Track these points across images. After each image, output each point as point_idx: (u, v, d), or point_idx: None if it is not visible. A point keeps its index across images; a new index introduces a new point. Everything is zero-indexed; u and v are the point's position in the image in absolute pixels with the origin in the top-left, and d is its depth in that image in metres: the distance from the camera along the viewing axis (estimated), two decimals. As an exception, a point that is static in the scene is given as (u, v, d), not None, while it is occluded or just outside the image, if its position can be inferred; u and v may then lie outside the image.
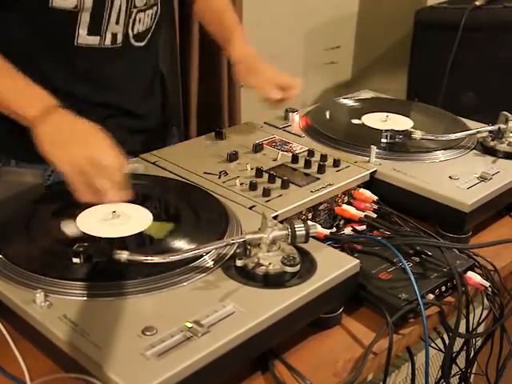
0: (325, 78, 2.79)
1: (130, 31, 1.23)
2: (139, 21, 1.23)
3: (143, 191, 1.04)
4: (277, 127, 1.34)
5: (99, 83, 1.24)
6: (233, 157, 1.17)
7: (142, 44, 1.27)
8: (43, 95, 1.04)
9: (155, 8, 1.26)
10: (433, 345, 1.06)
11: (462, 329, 0.95)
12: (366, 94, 1.57)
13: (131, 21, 1.22)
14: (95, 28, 1.17)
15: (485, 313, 1.06)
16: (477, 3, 2.43)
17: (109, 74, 1.25)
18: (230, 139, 1.26)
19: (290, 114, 1.37)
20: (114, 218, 0.93)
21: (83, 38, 1.17)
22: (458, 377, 1.12)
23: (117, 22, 1.19)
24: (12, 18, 1.13)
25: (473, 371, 1.17)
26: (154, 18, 1.28)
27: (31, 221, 0.93)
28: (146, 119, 1.36)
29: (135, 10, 1.21)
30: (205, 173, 1.12)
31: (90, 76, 1.23)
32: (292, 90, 1.30)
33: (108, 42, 1.20)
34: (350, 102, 1.49)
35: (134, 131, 1.32)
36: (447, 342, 0.96)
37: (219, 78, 2.11)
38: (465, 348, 1.06)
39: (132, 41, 1.24)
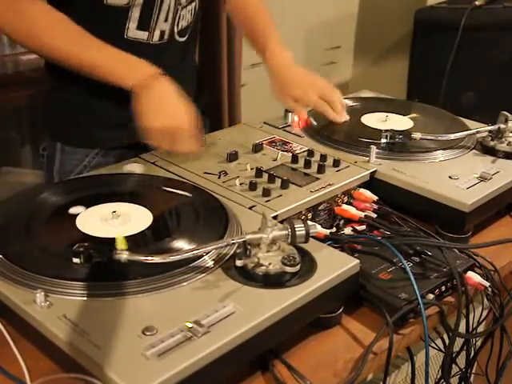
0: (325, 78, 2.79)
1: (175, 28, 1.28)
2: (183, 17, 1.29)
3: (143, 191, 1.05)
4: (277, 127, 1.34)
5: None
6: (233, 157, 1.17)
7: (184, 39, 1.32)
8: (144, 64, 1.15)
9: (194, 3, 1.31)
10: (433, 345, 1.06)
11: (462, 329, 0.95)
12: (366, 94, 1.57)
13: (177, 17, 1.27)
14: (145, 23, 1.23)
15: (485, 313, 1.06)
16: (477, 3, 2.43)
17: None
18: (230, 139, 1.26)
19: (290, 113, 1.37)
20: (114, 218, 0.93)
21: (132, 31, 1.23)
22: (458, 377, 1.12)
23: (165, 20, 1.25)
24: (65, 13, 1.17)
25: (473, 371, 1.17)
26: (194, 13, 1.32)
27: (31, 221, 0.93)
28: None
29: (180, 7, 1.26)
30: (205, 173, 1.12)
31: None
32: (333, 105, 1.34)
33: (156, 38, 1.26)
34: (350, 102, 1.49)
35: None
36: (447, 341, 0.95)
37: (219, 78, 2.11)
38: (465, 348, 1.06)
39: (176, 37, 1.29)
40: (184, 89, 1.34)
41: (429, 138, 1.24)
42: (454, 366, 1.06)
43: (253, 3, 1.46)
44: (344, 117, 1.34)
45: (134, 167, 1.12)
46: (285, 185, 1.07)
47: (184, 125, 1.13)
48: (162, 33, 1.26)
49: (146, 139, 1.13)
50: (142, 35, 1.24)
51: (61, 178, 1.32)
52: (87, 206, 0.96)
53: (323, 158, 1.17)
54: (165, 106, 1.14)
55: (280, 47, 1.39)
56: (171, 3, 1.24)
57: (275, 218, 0.98)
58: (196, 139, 1.14)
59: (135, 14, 1.21)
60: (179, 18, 1.28)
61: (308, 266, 0.84)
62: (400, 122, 1.34)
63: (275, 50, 1.38)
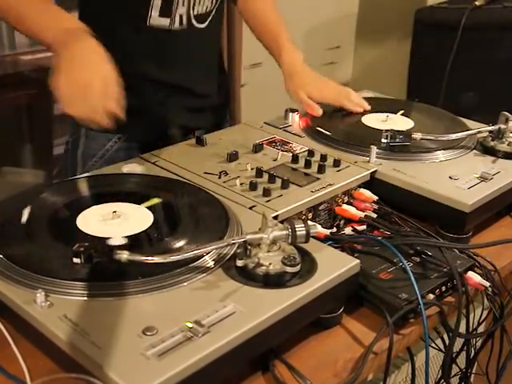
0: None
1: (191, 11, 1.29)
2: (199, 2, 1.30)
3: (143, 191, 1.04)
4: (277, 127, 1.34)
5: (162, 63, 1.31)
6: (233, 157, 1.17)
7: (203, 26, 1.33)
8: (71, 19, 1.09)
9: None
10: (433, 345, 1.06)
11: (462, 329, 0.95)
12: (366, 94, 1.57)
13: (192, 1, 1.28)
14: (166, 10, 1.25)
15: (485, 313, 1.06)
16: (477, 3, 2.43)
17: (173, 54, 1.31)
18: (230, 139, 1.26)
19: (290, 113, 1.37)
20: (114, 218, 0.93)
21: (155, 19, 1.25)
22: (458, 377, 1.12)
23: (182, 4, 1.27)
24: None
25: (473, 371, 1.17)
26: (216, 2, 1.34)
27: (31, 221, 0.93)
28: (206, 98, 1.42)
29: None
30: (205, 173, 1.12)
31: (154, 55, 1.30)
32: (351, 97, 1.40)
33: (177, 24, 1.28)
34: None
35: (194, 110, 1.39)
36: (447, 342, 0.96)
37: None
38: (465, 348, 1.06)
39: (193, 22, 1.31)
40: (206, 77, 1.38)
41: (429, 138, 1.24)
42: (454, 366, 1.06)
43: (262, 3, 1.49)
44: (364, 107, 1.40)
45: (134, 167, 1.12)
46: (285, 185, 1.07)
47: (97, 82, 1.01)
48: (181, 17, 1.28)
49: (57, 100, 1.01)
50: (165, 22, 1.26)
51: (84, 161, 1.36)
52: (87, 206, 0.96)
53: (323, 158, 1.17)
54: (80, 63, 1.03)
55: (294, 47, 1.44)
56: None
57: (275, 218, 0.98)
58: (114, 105, 1.02)
59: (157, 1, 1.24)
60: (194, 1, 1.28)
61: (308, 266, 0.84)
62: (400, 122, 1.34)
63: (290, 49, 1.43)
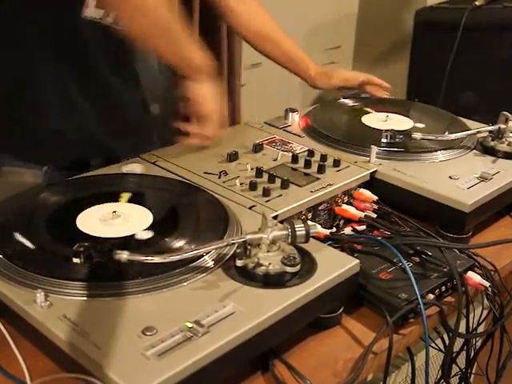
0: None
1: None
2: None
3: (143, 191, 1.05)
4: (277, 127, 1.34)
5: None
6: (233, 157, 1.17)
7: None
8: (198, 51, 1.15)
9: None
10: (433, 345, 1.07)
11: (462, 329, 0.95)
12: (366, 94, 1.57)
13: None
14: None
15: (485, 313, 1.06)
16: (477, 3, 2.43)
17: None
18: (230, 139, 1.26)
19: (290, 113, 1.37)
20: (114, 218, 0.93)
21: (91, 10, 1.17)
22: (458, 377, 1.12)
23: None
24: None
25: (473, 371, 1.17)
26: None
27: (31, 221, 0.93)
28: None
29: None
30: (205, 173, 1.12)
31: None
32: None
33: (111, 19, 1.19)
34: (350, 102, 1.49)
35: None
36: (447, 342, 0.95)
37: (219, 78, 2.11)
38: (465, 348, 1.06)
39: None
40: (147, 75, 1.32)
41: (429, 138, 1.24)
42: (454, 366, 1.06)
43: (264, 22, 1.53)
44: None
45: (134, 167, 1.12)
46: (285, 185, 1.07)
47: (217, 108, 1.18)
48: None
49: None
50: (99, 13, 1.18)
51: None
52: (87, 206, 0.96)
53: (323, 157, 1.17)
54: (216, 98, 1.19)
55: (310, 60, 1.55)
56: None
57: (275, 217, 0.98)
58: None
59: None
60: None
61: (308, 266, 0.84)
62: (400, 122, 1.34)
63: (312, 64, 1.55)
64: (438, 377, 1.07)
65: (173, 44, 1.15)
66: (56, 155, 1.25)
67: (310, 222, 0.84)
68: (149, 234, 0.90)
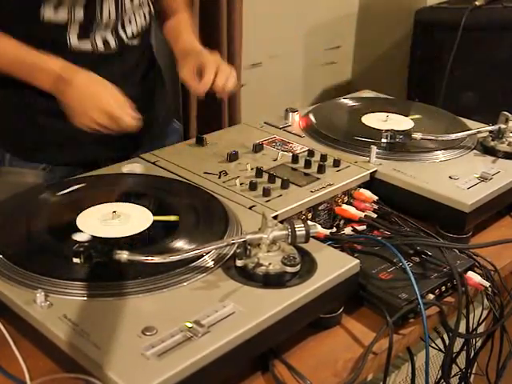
0: (325, 78, 2.79)
1: (122, 34, 1.23)
2: (130, 22, 1.24)
3: (143, 191, 1.05)
4: (277, 127, 1.34)
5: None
6: (233, 157, 1.17)
7: (136, 43, 1.28)
8: (49, 61, 1.12)
9: (147, 8, 1.28)
10: (433, 345, 1.07)
11: (462, 329, 0.95)
12: (366, 94, 1.57)
13: (122, 24, 1.22)
14: (85, 34, 1.18)
15: (485, 313, 1.06)
16: (477, 3, 2.43)
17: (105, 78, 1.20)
18: (230, 139, 1.26)
19: (290, 113, 1.37)
20: (114, 218, 0.93)
21: (75, 43, 1.18)
22: (458, 377, 1.12)
23: (106, 27, 1.20)
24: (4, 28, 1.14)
25: (473, 371, 1.17)
26: (149, 18, 1.29)
27: (31, 221, 0.93)
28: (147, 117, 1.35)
29: (126, 14, 1.22)
30: (205, 173, 1.12)
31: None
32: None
33: (100, 46, 1.21)
34: (350, 102, 1.49)
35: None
36: (447, 342, 0.95)
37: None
38: (465, 348, 1.06)
39: (127, 41, 1.25)
40: (138, 95, 1.27)
41: (429, 138, 1.24)
42: (454, 366, 1.06)
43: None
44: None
45: (134, 167, 1.12)
46: (285, 185, 1.07)
47: (113, 107, 1.09)
48: (106, 40, 1.21)
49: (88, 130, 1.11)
50: (86, 45, 1.19)
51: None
52: (87, 206, 0.96)
53: (323, 157, 1.17)
54: (87, 99, 1.10)
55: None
56: (111, 11, 1.19)
57: (275, 217, 0.98)
58: (131, 114, 1.10)
59: (75, 27, 1.17)
60: (124, 23, 1.23)
61: (308, 266, 0.84)
62: (400, 122, 1.34)
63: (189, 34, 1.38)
64: (438, 377, 1.07)
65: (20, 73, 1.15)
66: (67, 153, 1.27)
67: (310, 222, 0.84)
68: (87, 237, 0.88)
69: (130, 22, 1.24)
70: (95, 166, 1.16)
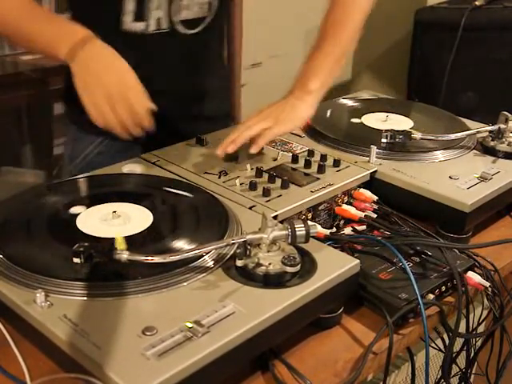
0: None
1: (173, 17, 1.25)
2: (186, 7, 1.26)
3: (143, 191, 1.04)
4: (277, 127, 1.34)
5: (140, 66, 1.19)
6: (233, 157, 1.16)
7: (194, 31, 1.29)
8: (73, 27, 1.07)
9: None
10: (433, 345, 1.07)
11: (462, 329, 0.95)
12: (366, 94, 1.57)
13: (173, 6, 1.24)
14: (139, 14, 1.21)
15: (485, 313, 1.06)
16: (477, 3, 2.43)
17: (149, 57, 1.25)
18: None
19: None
20: (114, 218, 0.93)
21: (128, 24, 1.21)
22: (458, 377, 1.12)
23: (157, 8, 1.22)
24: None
25: (473, 371, 1.17)
26: (208, 8, 1.29)
27: (31, 221, 0.93)
28: (196, 105, 1.38)
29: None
30: (205, 173, 1.12)
31: (130, 59, 1.13)
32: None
33: (153, 27, 1.23)
34: (350, 102, 1.49)
35: (189, 117, 1.34)
36: (447, 342, 0.96)
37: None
38: (465, 348, 1.06)
39: (178, 27, 1.27)
40: (196, 83, 1.33)
41: (429, 138, 1.24)
42: (454, 366, 1.06)
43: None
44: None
45: (134, 167, 1.12)
46: (285, 185, 1.07)
47: (129, 84, 1.04)
48: (158, 21, 1.23)
49: (91, 118, 1.05)
50: (139, 26, 1.22)
51: (71, 163, 1.35)
52: (87, 206, 0.96)
53: (323, 158, 1.17)
54: (102, 71, 1.04)
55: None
56: None
57: (275, 217, 0.98)
58: (146, 97, 1.06)
59: (129, 7, 1.20)
60: (178, 7, 1.25)
61: (308, 266, 0.84)
62: (400, 122, 1.34)
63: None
64: (438, 377, 1.07)
65: (33, 44, 1.12)
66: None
67: (310, 222, 0.84)
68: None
69: (185, 8, 1.26)
70: (151, 144, 1.18)
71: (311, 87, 1.19)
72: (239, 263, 0.83)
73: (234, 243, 0.84)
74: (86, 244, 0.81)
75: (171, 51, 1.29)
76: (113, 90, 1.03)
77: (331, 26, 1.23)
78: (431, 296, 0.91)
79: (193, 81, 1.36)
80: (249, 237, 0.83)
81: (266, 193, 1.04)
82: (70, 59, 1.04)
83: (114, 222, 0.92)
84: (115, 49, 1.07)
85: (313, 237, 0.85)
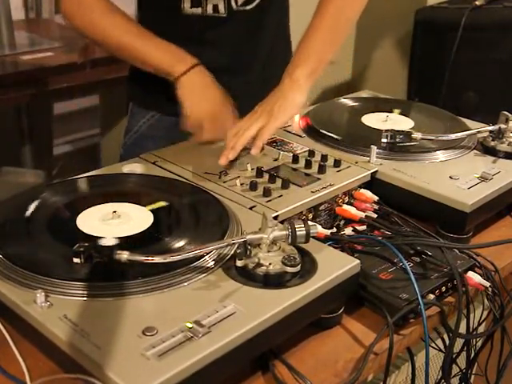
0: (325, 78, 2.79)
1: (232, 1, 1.32)
2: None
3: (143, 191, 1.04)
4: (277, 127, 1.34)
5: (200, 46, 1.33)
6: (233, 157, 1.16)
7: (249, 7, 1.34)
8: (186, 55, 1.26)
9: None
10: (433, 345, 1.06)
11: (463, 329, 0.95)
12: (366, 94, 1.57)
13: None
14: (196, 1, 1.30)
15: (485, 313, 1.06)
16: (477, 3, 2.43)
17: (211, 38, 1.35)
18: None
19: (291, 114, 1.37)
20: (114, 218, 0.93)
21: (187, 10, 1.31)
22: (458, 377, 1.12)
23: None
24: None
25: (473, 372, 1.17)
26: None
27: (31, 221, 0.93)
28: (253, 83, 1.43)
29: None
30: (205, 173, 1.12)
31: (191, 39, 1.33)
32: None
33: (210, 11, 1.32)
34: (349, 102, 1.49)
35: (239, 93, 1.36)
36: (447, 342, 0.95)
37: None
38: (465, 348, 1.06)
39: (233, 5, 1.32)
40: (257, 61, 1.40)
41: (429, 138, 1.24)
42: (454, 366, 1.06)
43: None
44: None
45: (134, 167, 1.12)
46: (285, 185, 1.07)
47: (225, 108, 1.24)
48: (216, 6, 1.31)
49: (189, 127, 1.23)
50: (196, 11, 1.31)
51: (126, 136, 1.49)
52: (87, 206, 0.96)
53: (324, 158, 1.17)
54: (207, 94, 1.25)
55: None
56: None
57: (276, 218, 0.98)
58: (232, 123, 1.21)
59: None
60: None
61: (308, 266, 0.84)
62: (400, 122, 1.34)
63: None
64: (439, 377, 1.07)
65: (134, 58, 1.28)
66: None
67: (310, 222, 0.84)
68: (113, 242, 0.87)
69: None
70: None
71: (299, 74, 1.20)
72: (239, 263, 0.82)
73: (234, 243, 0.83)
74: (86, 244, 0.81)
75: (231, 29, 1.35)
76: (209, 108, 1.24)
77: (323, 8, 1.26)
78: (431, 296, 0.91)
79: (257, 56, 1.40)
80: (249, 237, 0.83)
81: (267, 193, 1.04)
82: (183, 76, 1.24)
83: (114, 221, 0.92)
84: (177, 29, 1.30)
85: (313, 237, 0.85)
